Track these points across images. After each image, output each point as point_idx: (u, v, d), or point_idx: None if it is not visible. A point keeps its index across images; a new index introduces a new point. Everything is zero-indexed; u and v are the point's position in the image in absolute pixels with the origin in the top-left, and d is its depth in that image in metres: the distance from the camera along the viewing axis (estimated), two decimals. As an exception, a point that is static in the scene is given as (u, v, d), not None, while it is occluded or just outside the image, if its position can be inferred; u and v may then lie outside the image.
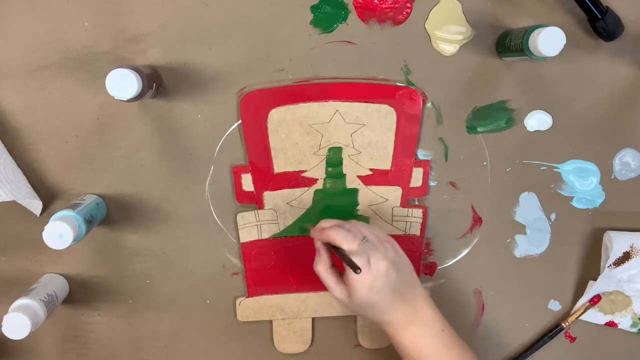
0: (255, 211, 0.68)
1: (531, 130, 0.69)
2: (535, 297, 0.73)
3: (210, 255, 0.69)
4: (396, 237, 0.63)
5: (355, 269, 0.54)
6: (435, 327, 0.60)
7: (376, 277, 0.56)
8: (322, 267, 0.60)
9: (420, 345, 0.59)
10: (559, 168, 0.70)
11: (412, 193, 0.69)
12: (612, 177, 0.71)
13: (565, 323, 0.72)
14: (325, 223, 0.60)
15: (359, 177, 0.68)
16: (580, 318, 0.72)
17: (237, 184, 0.68)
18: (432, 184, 0.70)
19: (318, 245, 0.60)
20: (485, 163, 0.70)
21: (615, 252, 0.69)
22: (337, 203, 0.69)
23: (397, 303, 0.58)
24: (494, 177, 0.70)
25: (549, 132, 0.69)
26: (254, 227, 0.69)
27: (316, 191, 0.68)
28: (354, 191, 0.69)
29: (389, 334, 0.60)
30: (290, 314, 0.71)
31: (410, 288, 0.60)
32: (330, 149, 0.67)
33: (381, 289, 0.57)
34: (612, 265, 0.69)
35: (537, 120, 0.69)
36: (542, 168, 0.70)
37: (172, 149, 0.67)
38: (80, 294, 0.69)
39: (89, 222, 0.61)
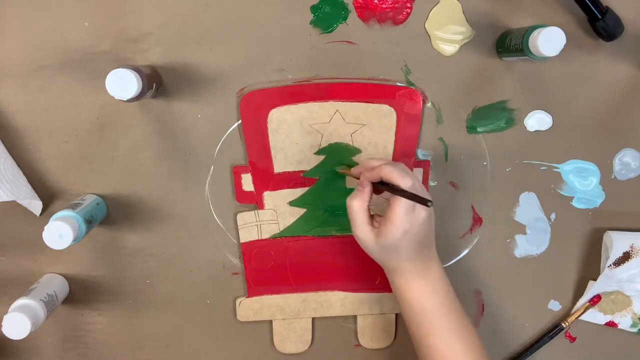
0: (255, 211, 0.68)
1: (531, 130, 0.69)
2: (535, 297, 0.73)
3: (210, 255, 0.69)
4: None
5: (426, 202, 0.52)
6: (442, 287, 0.60)
7: (414, 223, 0.56)
8: (360, 203, 0.58)
9: (424, 300, 0.59)
10: (559, 168, 0.70)
11: (412, 193, 0.69)
12: (612, 177, 0.71)
13: (565, 323, 0.72)
14: (374, 162, 0.60)
15: (359, 177, 0.68)
16: (580, 318, 0.72)
17: (237, 184, 0.68)
18: (432, 184, 0.70)
19: (364, 182, 0.59)
20: (485, 163, 0.70)
21: (615, 252, 0.69)
22: (337, 203, 0.69)
23: (416, 255, 0.59)
24: (494, 177, 0.70)
25: (549, 132, 0.69)
26: (254, 227, 0.69)
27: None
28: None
29: (396, 284, 0.61)
30: (290, 314, 0.71)
31: (429, 246, 0.61)
32: (330, 149, 0.68)
33: (412, 236, 0.57)
34: (612, 266, 0.69)
35: (537, 120, 0.69)
36: (542, 168, 0.70)
37: (172, 149, 0.67)
38: (80, 294, 0.69)
39: (89, 222, 0.61)
